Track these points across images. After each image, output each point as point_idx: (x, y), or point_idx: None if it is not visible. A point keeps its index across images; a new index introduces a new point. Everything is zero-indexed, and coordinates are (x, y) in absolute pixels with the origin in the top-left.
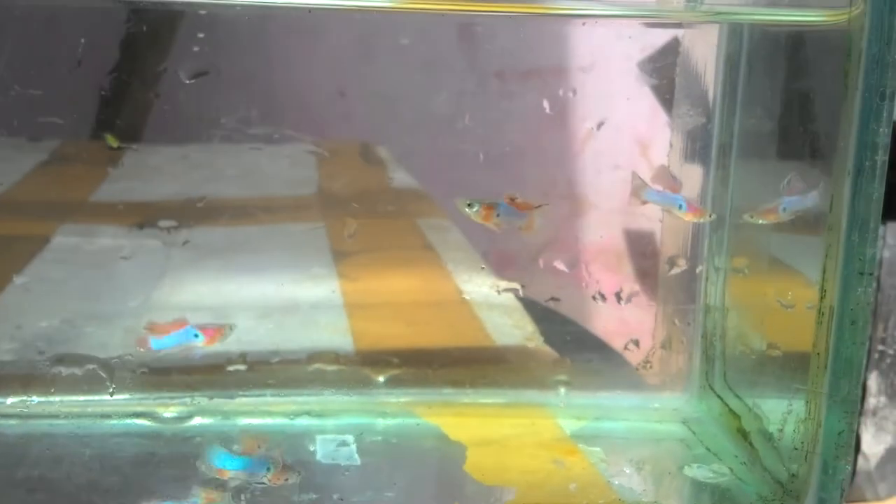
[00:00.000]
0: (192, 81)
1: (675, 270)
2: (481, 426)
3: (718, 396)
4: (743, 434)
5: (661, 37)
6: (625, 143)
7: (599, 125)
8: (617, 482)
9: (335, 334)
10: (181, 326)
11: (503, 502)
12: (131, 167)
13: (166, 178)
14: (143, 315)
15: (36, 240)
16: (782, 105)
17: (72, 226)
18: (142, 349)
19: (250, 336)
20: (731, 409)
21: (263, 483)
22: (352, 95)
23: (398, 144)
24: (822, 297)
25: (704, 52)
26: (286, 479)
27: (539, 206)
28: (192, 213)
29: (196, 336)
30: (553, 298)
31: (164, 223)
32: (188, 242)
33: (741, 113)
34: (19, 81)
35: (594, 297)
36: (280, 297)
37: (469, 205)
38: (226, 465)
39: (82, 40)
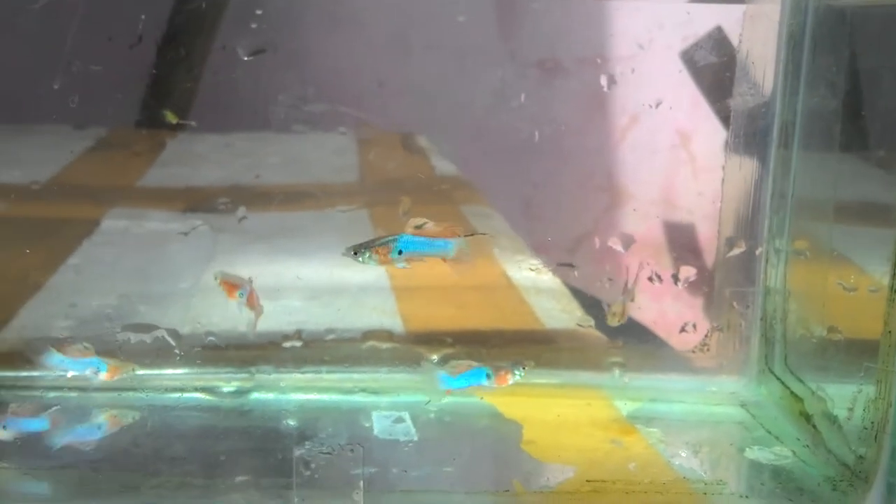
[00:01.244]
0: (250, 59)
1: (735, 252)
2: (536, 406)
3: (779, 379)
4: (805, 417)
5: (714, 17)
6: (667, 133)
7: (658, 104)
8: (677, 462)
9: (384, 316)
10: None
11: (563, 480)
12: (177, 154)
13: (212, 165)
14: (195, 295)
15: (86, 223)
16: (848, 82)
17: (120, 210)
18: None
19: (300, 316)
20: (792, 392)
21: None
22: (391, 85)
23: (438, 133)
24: (894, 275)
25: (766, 28)
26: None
27: (472, 235)
28: (237, 198)
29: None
30: (609, 279)
31: (211, 206)
32: (245, 219)
33: (804, 91)
34: (81, 58)
35: (650, 279)
36: (328, 280)
37: (355, 253)
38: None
39: (143, 17)
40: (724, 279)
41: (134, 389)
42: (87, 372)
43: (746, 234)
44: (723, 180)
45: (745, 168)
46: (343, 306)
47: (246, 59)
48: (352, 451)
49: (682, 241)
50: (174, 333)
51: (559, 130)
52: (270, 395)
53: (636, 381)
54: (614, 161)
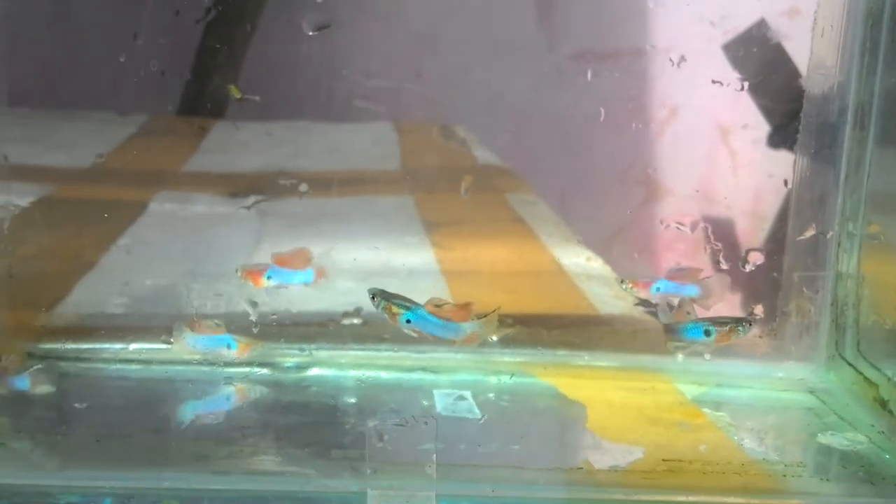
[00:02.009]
0: (315, 33)
1: (805, 236)
2: (599, 388)
3: (851, 365)
4: (881, 403)
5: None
6: (705, 128)
7: (742, 86)
8: (748, 446)
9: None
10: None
11: (633, 460)
12: (219, 141)
13: (253, 152)
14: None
15: (134, 205)
16: None
17: (167, 193)
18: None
19: (354, 297)
20: (866, 378)
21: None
22: (429, 75)
23: (478, 123)
24: None
25: (843, 6)
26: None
27: (485, 316)
28: (279, 184)
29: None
30: (677, 265)
31: (258, 189)
32: (307, 193)
33: (882, 71)
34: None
35: (718, 262)
36: (377, 263)
37: (373, 297)
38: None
39: None
40: (794, 263)
41: (209, 363)
42: (220, 349)
43: (817, 218)
44: (794, 162)
45: (818, 150)
46: (394, 288)
47: (311, 34)
48: (425, 423)
49: (747, 225)
50: (253, 304)
51: (596, 124)
52: (330, 372)
53: (701, 365)
54: (652, 155)
